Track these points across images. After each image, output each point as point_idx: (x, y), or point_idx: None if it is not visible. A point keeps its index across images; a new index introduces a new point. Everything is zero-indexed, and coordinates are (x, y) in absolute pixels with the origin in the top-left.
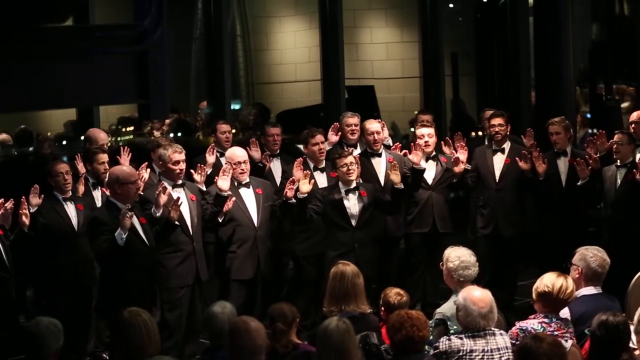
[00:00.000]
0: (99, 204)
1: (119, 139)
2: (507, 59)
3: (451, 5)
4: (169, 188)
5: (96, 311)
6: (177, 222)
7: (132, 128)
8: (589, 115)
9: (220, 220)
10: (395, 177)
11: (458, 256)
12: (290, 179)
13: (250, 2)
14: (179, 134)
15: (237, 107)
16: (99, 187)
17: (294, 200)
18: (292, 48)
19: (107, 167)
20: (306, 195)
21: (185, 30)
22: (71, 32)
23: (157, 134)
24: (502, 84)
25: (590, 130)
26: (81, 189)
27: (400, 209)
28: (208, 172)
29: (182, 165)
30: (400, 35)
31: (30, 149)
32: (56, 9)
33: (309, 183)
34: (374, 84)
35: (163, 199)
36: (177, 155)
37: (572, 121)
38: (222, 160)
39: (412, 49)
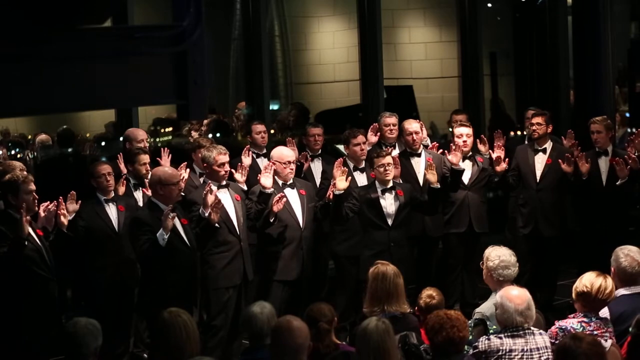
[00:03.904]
0: (140, 204)
1: (157, 139)
2: (545, 58)
3: (490, 5)
4: (215, 189)
5: (136, 311)
6: (217, 224)
7: (170, 129)
8: (628, 114)
9: (271, 221)
10: (432, 176)
11: (498, 255)
12: (333, 181)
13: (289, 3)
14: (217, 135)
15: (275, 107)
16: (140, 188)
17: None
18: (331, 48)
19: (149, 168)
20: (342, 192)
21: (224, 31)
22: (110, 33)
23: (195, 134)
24: (540, 83)
25: (629, 130)
26: (121, 189)
27: (437, 209)
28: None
29: (227, 167)
30: (439, 35)
31: (70, 149)
32: (95, 10)
33: (346, 181)
34: (413, 83)
35: (210, 199)
36: (222, 156)
37: (611, 120)
38: (258, 161)
39: (450, 48)
